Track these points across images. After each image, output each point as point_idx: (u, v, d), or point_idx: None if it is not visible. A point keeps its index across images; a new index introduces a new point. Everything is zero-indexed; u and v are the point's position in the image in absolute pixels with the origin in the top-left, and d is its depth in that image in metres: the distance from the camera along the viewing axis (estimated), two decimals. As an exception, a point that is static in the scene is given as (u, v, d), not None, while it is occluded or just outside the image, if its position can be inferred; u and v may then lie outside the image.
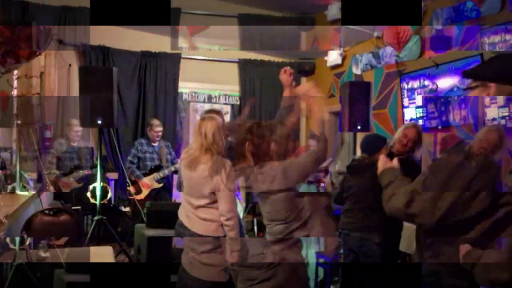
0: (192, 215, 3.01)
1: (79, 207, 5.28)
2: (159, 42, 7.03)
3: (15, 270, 4.78)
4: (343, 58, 6.80)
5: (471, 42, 5.39)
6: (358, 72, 6.40)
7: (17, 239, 4.86)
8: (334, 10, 6.68)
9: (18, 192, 4.41)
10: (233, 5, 7.33)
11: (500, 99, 4.83)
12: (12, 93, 4.97)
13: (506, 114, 4.73)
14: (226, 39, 7.36)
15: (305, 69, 7.69)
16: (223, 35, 7.28)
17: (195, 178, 2.97)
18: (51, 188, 5.63)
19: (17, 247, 4.89)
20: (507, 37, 4.76)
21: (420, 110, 5.63)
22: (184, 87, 7.38)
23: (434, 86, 5.19)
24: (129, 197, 6.08)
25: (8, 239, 4.97)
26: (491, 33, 4.97)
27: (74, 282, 3.91)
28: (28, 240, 5.26)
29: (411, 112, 5.66)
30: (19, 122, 4.78)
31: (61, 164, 5.89)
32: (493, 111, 4.92)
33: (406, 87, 5.62)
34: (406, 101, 5.70)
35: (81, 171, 5.81)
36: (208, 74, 7.37)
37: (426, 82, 5.22)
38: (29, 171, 6.25)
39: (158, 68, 7.06)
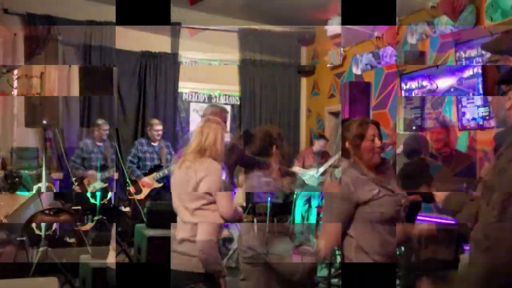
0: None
1: (79, 207, 5.28)
2: (159, 42, 7.04)
3: (41, 255, 4.83)
4: (343, 58, 6.81)
5: (446, 56, 5.48)
6: (358, 72, 6.41)
7: (43, 225, 4.93)
8: (334, 25, 6.70)
9: (17, 192, 4.42)
10: (233, 20, 7.34)
11: (477, 99, 4.88)
12: (12, 93, 4.99)
13: (486, 114, 4.76)
14: (226, 53, 7.44)
15: (305, 69, 7.70)
16: (223, 49, 7.37)
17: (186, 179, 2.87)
18: (77, 188, 5.68)
19: (43, 233, 4.94)
20: (484, 51, 4.81)
21: (417, 110, 5.66)
22: (184, 87, 7.38)
23: (434, 86, 5.19)
24: (129, 197, 6.08)
25: (34, 225, 5.05)
26: (467, 48, 5.02)
27: (99, 267, 3.93)
28: (54, 226, 5.35)
29: (407, 113, 5.67)
30: (45, 122, 4.81)
31: (87, 165, 5.92)
32: (472, 111, 4.95)
33: (404, 88, 5.64)
34: (403, 101, 5.72)
35: (106, 172, 5.85)
36: (208, 74, 7.38)
37: (425, 83, 5.23)
38: (56, 171, 6.33)
39: (158, 68, 7.06)
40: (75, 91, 6.21)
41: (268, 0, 6.18)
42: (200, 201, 2.87)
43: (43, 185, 5.04)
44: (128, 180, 5.80)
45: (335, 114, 7.18)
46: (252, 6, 6.69)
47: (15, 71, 5.72)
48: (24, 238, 5.01)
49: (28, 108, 4.88)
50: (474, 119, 4.93)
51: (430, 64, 5.60)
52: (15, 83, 5.79)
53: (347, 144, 2.42)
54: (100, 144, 5.98)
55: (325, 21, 6.86)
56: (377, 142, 2.36)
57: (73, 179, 5.73)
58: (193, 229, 2.85)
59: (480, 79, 4.63)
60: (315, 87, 7.72)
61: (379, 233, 2.27)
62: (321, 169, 6.26)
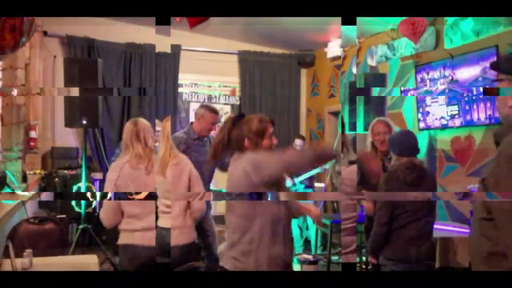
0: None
1: (64, 216, 5.27)
2: (159, 41, 7.02)
3: (81, 233, 4.90)
4: (344, 58, 6.79)
5: (407, 77, 5.55)
6: (373, 63, 6.36)
7: (83, 202, 4.98)
8: (334, 47, 6.72)
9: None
10: (233, 42, 7.41)
11: (441, 98, 4.91)
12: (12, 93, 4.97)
13: (456, 112, 4.77)
14: (226, 76, 7.52)
15: (305, 60, 7.66)
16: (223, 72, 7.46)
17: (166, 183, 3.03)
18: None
19: (82, 211, 4.95)
20: (446, 73, 4.85)
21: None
22: (183, 79, 7.36)
23: (433, 87, 5.19)
24: (129, 196, 6.05)
25: (73, 202, 5.11)
26: (430, 69, 5.08)
27: None
28: (94, 204, 5.40)
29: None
30: (84, 122, 4.85)
31: None
32: (440, 109, 4.96)
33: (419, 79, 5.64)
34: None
35: None
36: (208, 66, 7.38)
37: (436, 75, 5.23)
38: (96, 171, 6.37)
39: (158, 68, 7.05)
40: (59, 82, 6.20)
41: (268, 23, 6.21)
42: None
43: (82, 185, 5.06)
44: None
45: (335, 114, 7.17)
46: (252, 28, 6.73)
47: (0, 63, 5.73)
48: (64, 216, 5.02)
49: (68, 108, 4.91)
50: (442, 117, 4.94)
51: (390, 87, 5.74)
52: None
53: (246, 142, 2.37)
54: None
55: (325, 43, 6.92)
56: (274, 140, 2.41)
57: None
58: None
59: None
60: (315, 87, 7.71)
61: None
62: (301, 178, 6.29)
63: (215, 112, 4.21)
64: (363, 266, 5.21)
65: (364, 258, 5.32)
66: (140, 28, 6.70)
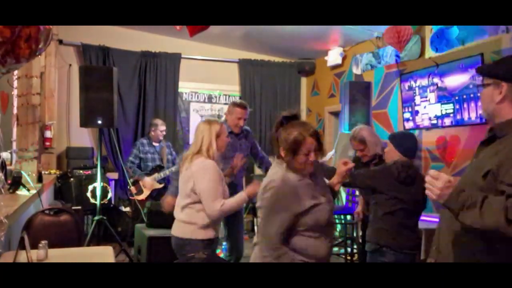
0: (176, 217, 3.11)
1: (79, 207, 5.28)
2: (159, 41, 7.03)
3: (96, 224, 4.96)
4: (343, 58, 6.80)
5: (392, 85, 5.58)
6: (359, 72, 6.40)
7: (98, 194, 5.06)
8: (334, 56, 6.74)
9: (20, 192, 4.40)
10: (233, 51, 7.43)
11: (431, 97, 4.91)
12: (12, 93, 4.97)
13: (451, 111, 4.78)
14: (226, 84, 7.54)
15: (305, 68, 7.69)
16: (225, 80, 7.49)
17: (183, 177, 3.04)
18: (133, 188, 5.71)
19: (98, 202, 4.99)
20: (435, 80, 4.87)
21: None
22: (184, 87, 7.38)
23: (443, 85, 5.21)
24: (130, 197, 6.07)
25: (89, 194, 5.18)
26: (417, 77, 5.07)
27: (154, 236, 3.94)
28: (110, 195, 5.40)
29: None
30: (100, 122, 4.88)
31: (143, 165, 5.93)
32: (432, 108, 4.98)
33: (406, 87, 5.64)
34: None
35: (162, 172, 5.85)
36: (208, 74, 7.39)
37: (424, 82, 5.23)
38: (111, 171, 6.38)
39: (158, 68, 7.05)
40: (75, 90, 6.23)
41: (268, 31, 6.23)
42: (187, 199, 2.96)
43: (98, 185, 5.08)
44: (129, 180, 5.79)
45: (335, 114, 7.17)
46: (252, 36, 6.74)
47: (15, 72, 5.73)
48: (79, 207, 5.09)
49: (83, 108, 4.93)
50: (436, 116, 4.94)
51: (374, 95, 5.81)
52: (15, 83, 5.79)
53: (281, 151, 2.21)
54: (157, 144, 6.02)
55: (325, 52, 6.94)
56: (312, 157, 2.19)
57: (130, 180, 5.74)
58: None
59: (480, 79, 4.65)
60: (315, 87, 7.72)
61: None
62: None
63: (241, 106, 4.19)
64: (348, 258, 5.35)
65: (349, 250, 5.44)
66: (155, 37, 6.73)
